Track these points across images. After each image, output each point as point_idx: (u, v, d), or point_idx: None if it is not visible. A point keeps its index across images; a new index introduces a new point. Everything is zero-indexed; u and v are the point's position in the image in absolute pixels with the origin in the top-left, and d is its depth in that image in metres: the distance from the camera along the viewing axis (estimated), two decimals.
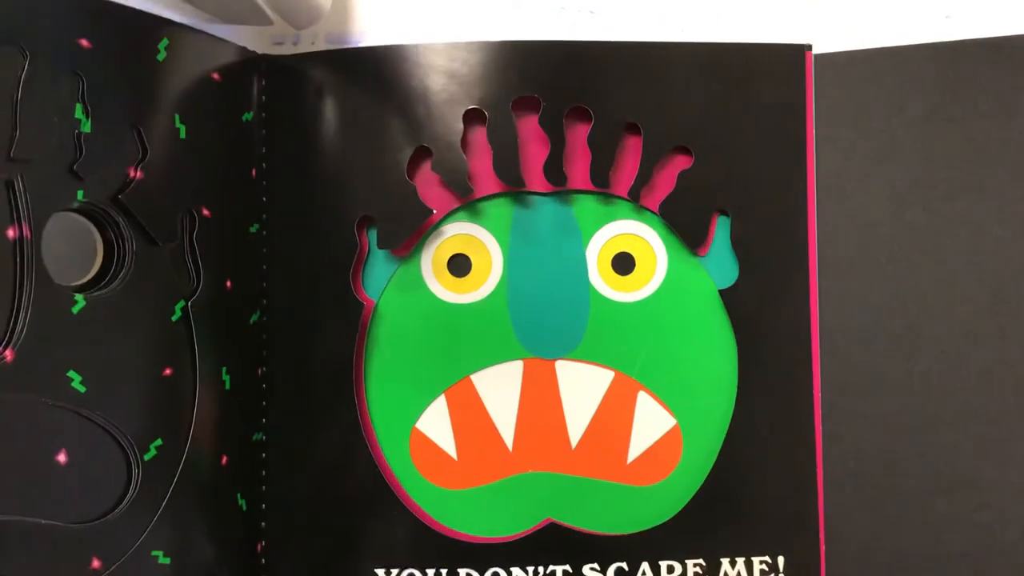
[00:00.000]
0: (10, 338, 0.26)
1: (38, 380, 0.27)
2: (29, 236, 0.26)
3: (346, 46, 0.36)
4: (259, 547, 0.34)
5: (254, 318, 0.34)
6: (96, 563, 0.28)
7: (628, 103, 0.34)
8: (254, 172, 0.34)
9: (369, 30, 0.36)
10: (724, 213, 0.34)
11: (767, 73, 0.34)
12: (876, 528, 0.33)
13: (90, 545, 0.28)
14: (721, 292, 0.34)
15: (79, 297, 0.28)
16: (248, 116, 0.34)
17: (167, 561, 0.30)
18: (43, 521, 0.27)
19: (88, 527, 0.28)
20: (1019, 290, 0.33)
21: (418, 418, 0.34)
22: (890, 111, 0.34)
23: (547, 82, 0.34)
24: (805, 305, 0.34)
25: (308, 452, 0.34)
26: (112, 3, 0.29)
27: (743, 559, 0.34)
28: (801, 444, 0.34)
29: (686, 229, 0.34)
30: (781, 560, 0.34)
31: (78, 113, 0.27)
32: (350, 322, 0.34)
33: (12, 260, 0.26)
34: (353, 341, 0.34)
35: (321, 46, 0.36)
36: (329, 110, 0.34)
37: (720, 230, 0.34)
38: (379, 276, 0.34)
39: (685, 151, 0.34)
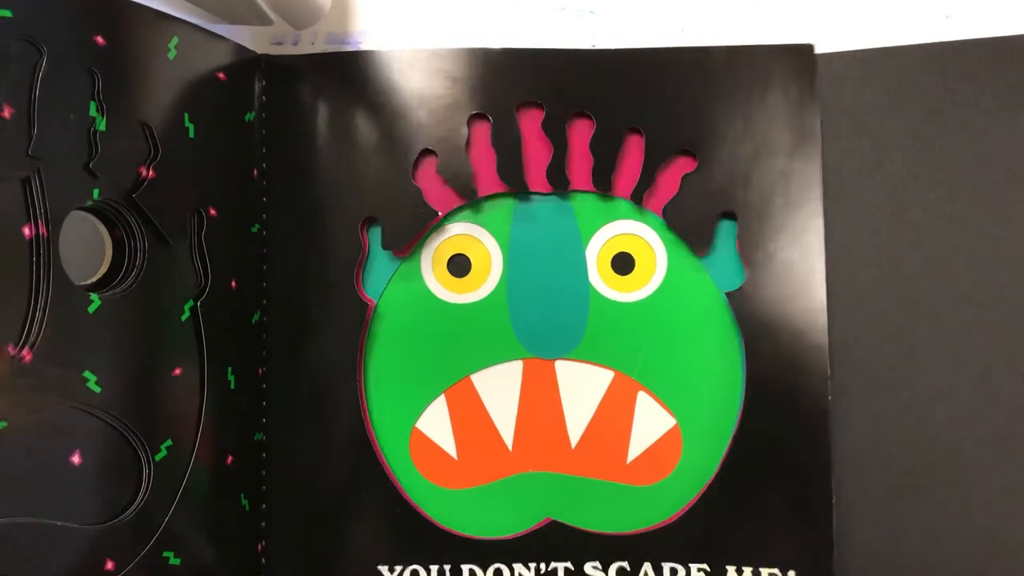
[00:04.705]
0: (27, 338, 0.27)
1: (56, 381, 0.28)
2: (45, 234, 0.27)
3: (346, 46, 0.38)
4: (259, 547, 0.36)
5: (255, 318, 0.36)
6: (110, 564, 0.29)
7: (631, 107, 0.36)
8: (255, 172, 0.36)
9: (369, 30, 0.38)
10: (727, 215, 0.36)
11: (771, 75, 0.35)
12: (876, 529, 0.35)
13: (104, 546, 0.29)
14: (727, 294, 0.35)
15: (95, 297, 0.29)
16: (250, 116, 0.35)
17: (177, 562, 0.31)
18: (58, 523, 0.28)
19: (102, 528, 0.29)
20: (1019, 290, 0.35)
21: (418, 418, 0.36)
22: (890, 111, 0.35)
23: (550, 88, 0.36)
24: (808, 306, 0.35)
25: (308, 452, 0.36)
26: (126, 0, 0.30)
27: (750, 569, 0.35)
28: (810, 446, 0.35)
29: (689, 231, 0.36)
30: (792, 574, 0.35)
31: (92, 111, 0.29)
32: (350, 322, 0.36)
33: (29, 259, 0.27)
34: (353, 341, 0.36)
35: (321, 46, 0.38)
36: (329, 111, 0.36)
37: (722, 231, 0.36)
38: (379, 276, 0.36)
39: (688, 154, 0.36)
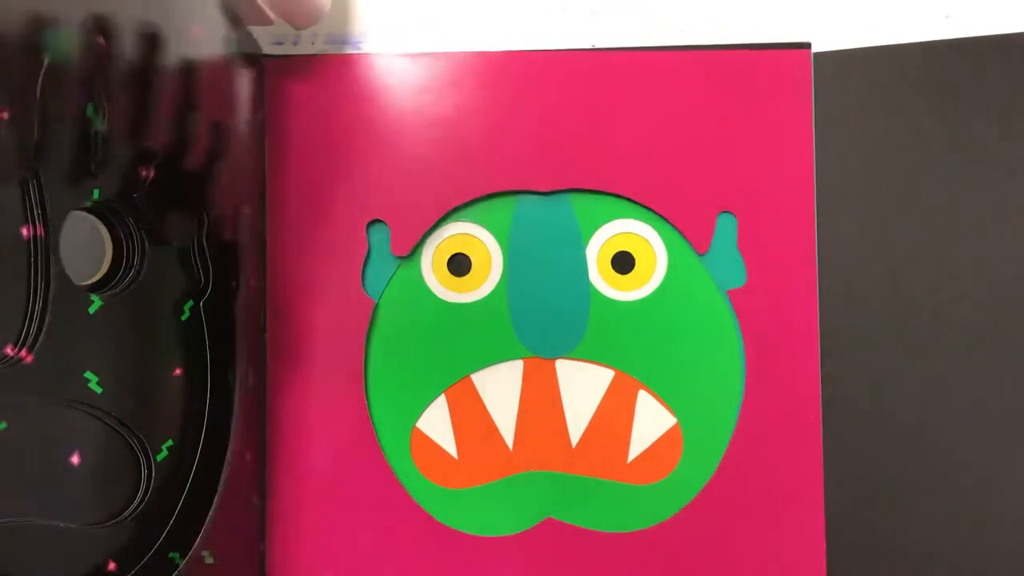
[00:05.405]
0: (26, 339, 0.26)
1: (57, 381, 0.28)
2: (43, 235, 0.27)
3: (346, 47, 0.38)
4: (260, 547, 0.36)
5: (255, 318, 0.36)
6: (112, 565, 0.30)
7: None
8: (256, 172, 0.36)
9: (369, 31, 0.38)
10: (726, 213, 0.36)
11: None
12: (876, 528, 0.35)
13: (105, 547, 0.29)
14: (728, 293, 0.36)
15: (95, 297, 0.29)
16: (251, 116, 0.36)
17: (183, 563, 0.31)
18: (59, 524, 0.28)
19: (102, 529, 0.29)
20: (1019, 290, 0.35)
21: (419, 417, 0.37)
22: (890, 111, 0.36)
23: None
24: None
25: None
26: None
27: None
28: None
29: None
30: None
31: (92, 111, 0.28)
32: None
33: (27, 260, 0.26)
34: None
35: (321, 46, 0.38)
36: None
37: (721, 229, 0.36)
38: (380, 276, 0.37)
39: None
